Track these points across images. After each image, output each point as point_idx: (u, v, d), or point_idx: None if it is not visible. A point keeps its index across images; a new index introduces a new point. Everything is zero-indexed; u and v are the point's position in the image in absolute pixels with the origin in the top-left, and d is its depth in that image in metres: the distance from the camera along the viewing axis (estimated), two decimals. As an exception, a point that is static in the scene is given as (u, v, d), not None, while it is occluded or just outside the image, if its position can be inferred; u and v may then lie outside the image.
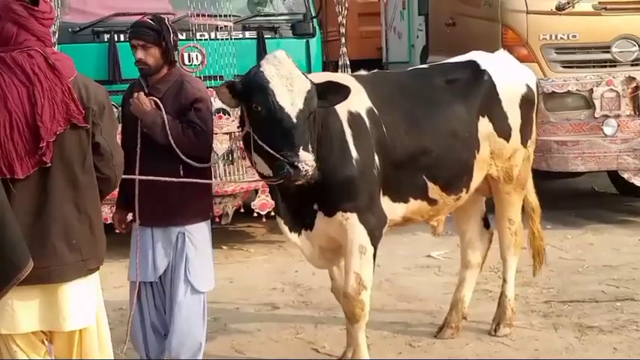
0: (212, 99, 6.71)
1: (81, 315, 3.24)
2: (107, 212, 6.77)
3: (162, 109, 4.19)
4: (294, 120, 3.85)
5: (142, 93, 4.22)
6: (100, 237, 3.31)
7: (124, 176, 3.53)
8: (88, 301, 3.27)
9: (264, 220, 7.37)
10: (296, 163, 3.74)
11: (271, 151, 3.83)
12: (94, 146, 3.22)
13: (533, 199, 5.38)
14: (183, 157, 4.15)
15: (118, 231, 4.61)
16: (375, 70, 4.96)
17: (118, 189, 4.60)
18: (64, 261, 3.15)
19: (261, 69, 3.97)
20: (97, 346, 3.34)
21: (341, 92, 4.08)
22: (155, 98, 4.22)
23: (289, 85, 3.92)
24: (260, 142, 3.91)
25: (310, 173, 3.78)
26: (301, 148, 3.79)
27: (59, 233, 3.15)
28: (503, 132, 4.88)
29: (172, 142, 4.14)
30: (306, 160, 3.77)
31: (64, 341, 3.30)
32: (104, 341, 3.40)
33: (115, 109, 3.49)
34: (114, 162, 3.30)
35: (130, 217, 4.54)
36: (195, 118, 4.25)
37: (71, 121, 3.13)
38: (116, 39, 6.94)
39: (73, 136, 3.16)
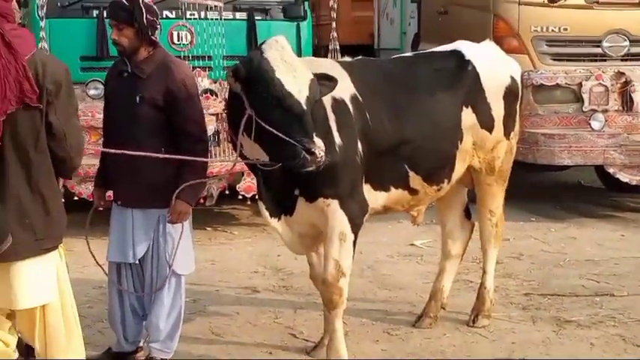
0: (199, 80, 6.68)
1: (34, 294, 3.23)
2: (90, 189, 6.78)
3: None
4: (304, 107, 3.86)
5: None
6: (57, 217, 3.29)
7: (89, 148, 3.49)
8: (44, 280, 3.25)
9: (249, 203, 7.36)
10: (312, 150, 3.75)
11: (286, 138, 3.80)
12: (47, 126, 3.18)
13: None
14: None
15: (100, 208, 4.59)
16: (360, 57, 4.93)
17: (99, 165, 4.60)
18: (16, 240, 3.14)
19: (264, 55, 3.93)
20: (61, 323, 3.34)
21: (329, 84, 4.09)
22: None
23: (294, 71, 3.91)
24: (268, 127, 3.85)
25: (324, 160, 3.80)
26: (314, 134, 3.81)
27: (12, 212, 3.14)
28: (487, 123, 4.85)
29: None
30: (321, 147, 3.80)
31: (24, 318, 3.30)
32: (70, 319, 3.39)
33: (75, 88, 3.41)
34: (67, 143, 3.25)
35: (110, 194, 4.51)
36: (186, 125, 4.22)
37: (24, 100, 3.09)
38: (105, 15, 6.87)
39: (26, 116, 3.13)
